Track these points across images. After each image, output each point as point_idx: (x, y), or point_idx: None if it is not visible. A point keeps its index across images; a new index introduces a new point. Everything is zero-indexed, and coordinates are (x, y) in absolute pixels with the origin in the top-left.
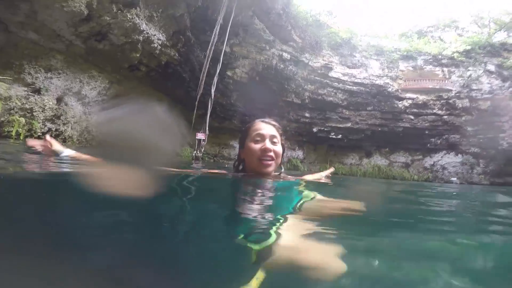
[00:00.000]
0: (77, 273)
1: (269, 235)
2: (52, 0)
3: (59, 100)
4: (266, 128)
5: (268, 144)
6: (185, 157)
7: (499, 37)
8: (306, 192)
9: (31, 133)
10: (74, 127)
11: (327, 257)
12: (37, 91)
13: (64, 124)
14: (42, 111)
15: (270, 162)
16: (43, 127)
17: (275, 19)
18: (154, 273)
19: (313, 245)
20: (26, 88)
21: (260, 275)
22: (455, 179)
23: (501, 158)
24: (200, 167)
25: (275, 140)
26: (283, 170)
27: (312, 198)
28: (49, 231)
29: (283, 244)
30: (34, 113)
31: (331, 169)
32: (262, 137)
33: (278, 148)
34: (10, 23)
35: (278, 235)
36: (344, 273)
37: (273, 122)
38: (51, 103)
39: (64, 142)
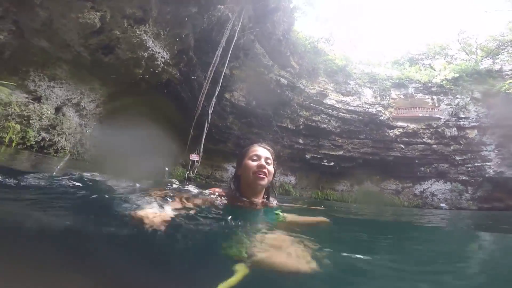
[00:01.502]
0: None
1: (246, 241)
2: (69, 9)
3: (57, 110)
4: (262, 151)
5: (263, 161)
6: (177, 176)
7: (486, 64)
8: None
9: (24, 141)
10: (68, 138)
11: (299, 258)
12: (38, 99)
13: (58, 134)
14: (38, 120)
15: (263, 176)
16: (37, 135)
17: (275, 45)
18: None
19: (288, 248)
20: (27, 95)
21: (239, 273)
22: (444, 205)
23: (488, 185)
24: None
25: (268, 161)
26: (276, 197)
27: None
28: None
29: (259, 246)
30: (31, 121)
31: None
32: (259, 157)
33: (271, 169)
34: (26, 30)
35: (255, 240)
36: (314, 272)
37: (268, 147)
38: (49, 112)
39: (56, 153)
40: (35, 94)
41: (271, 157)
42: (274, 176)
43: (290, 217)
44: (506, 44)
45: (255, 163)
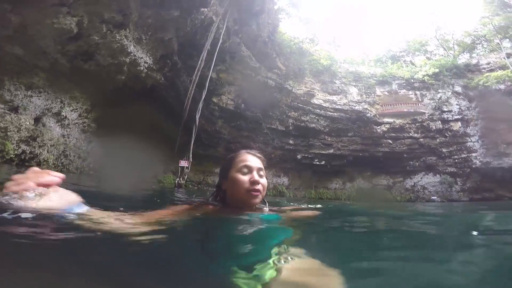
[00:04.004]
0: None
1: (269, 268)
2: (43, 15)
3: (36, 120)
4: (253, 160)
5: (256, 176)
6: (167, 184)
7: (463, 58)
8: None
9: (2, 155)
10: (50, 150)
11: None
12: (15, 110)
13: (40, 146)
14: (17, 131)
15: (258, 194)
16: (17, 148)
17: (261, 47)
18: None
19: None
20: (3, 106)
21: None
22: (435, 197)
23: (476, 176)
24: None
25: (261, 173)
26: (267, 205)
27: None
28: None
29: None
30: (9, 133)
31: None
32: (250, 169)
33: (264, 181)
34: None
35: (277, 269)
36: None
37: (259, 155)
38: (28, 123)
39: (38, 166)
40: (11, 104)
41: (263, 167)
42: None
43: (286, 215)
44: (480, 39)
45: (246, 178)
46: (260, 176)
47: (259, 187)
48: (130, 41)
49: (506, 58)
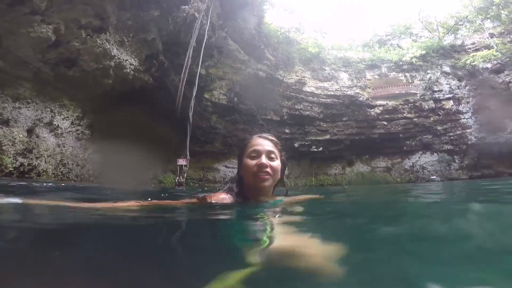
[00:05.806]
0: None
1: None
2: (17, 26)
3: (29, 132)
4: (263, 143)
5: (263, 159)
6: (168, 183)
7: (448, 39)
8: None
9: (1, 169)
10: (48, 160)
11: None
12: (5, 123)
13: (37, 158)
14: (12, 145)
15: (266, 177)
16: (15, 161)
17: (249, 39)
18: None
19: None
20: None
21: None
22: (435, 177)
23: (473, 152)
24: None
25: (272, 155)
26: (287, 192)
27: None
28: None
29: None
30: (4, 147)
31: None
32: (258, 153)
33: (275, 164)
34: None
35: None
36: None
37: (271, 137)
38: (21, 135)
39: (38, 177)
40: (1, 117)
41: (275, 149)
42: (284, 170)
43: (288, 199)
44: (463, 20)
45: (254, 162)
46: (271, 158)
47: (266, 169)
48: (112, 44)
49: (489, 38)
